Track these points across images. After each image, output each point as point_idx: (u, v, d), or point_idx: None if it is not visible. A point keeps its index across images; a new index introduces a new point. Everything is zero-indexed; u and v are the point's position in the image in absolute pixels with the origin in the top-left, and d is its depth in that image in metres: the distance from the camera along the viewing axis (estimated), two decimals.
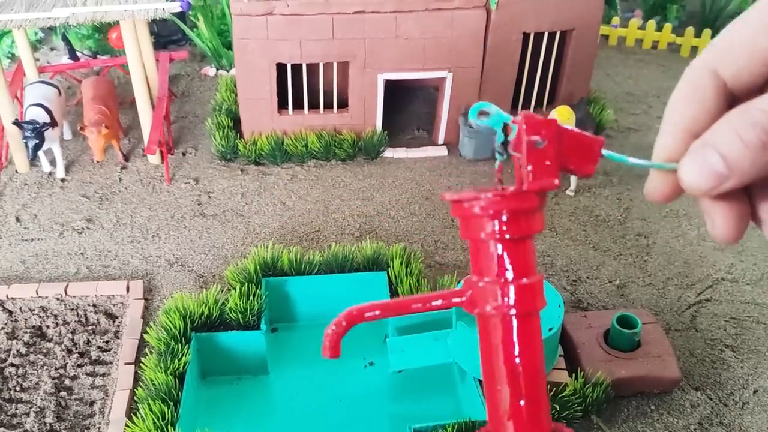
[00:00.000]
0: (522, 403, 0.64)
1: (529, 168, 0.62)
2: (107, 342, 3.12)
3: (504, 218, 0.63)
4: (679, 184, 0.60)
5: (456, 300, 0.67)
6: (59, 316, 3.24)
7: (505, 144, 0.65)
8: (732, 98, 0.59)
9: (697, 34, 5.75)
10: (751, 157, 0.54)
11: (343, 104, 4.38)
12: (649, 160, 0.63)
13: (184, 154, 4.41)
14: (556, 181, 0.63)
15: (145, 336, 3.01)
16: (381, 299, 3.40)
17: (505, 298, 0.64)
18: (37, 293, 3.31)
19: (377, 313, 0.68)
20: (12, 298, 3.30)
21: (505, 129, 0.66)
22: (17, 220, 3.85)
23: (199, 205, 3.97)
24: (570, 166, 0.64)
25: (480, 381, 2.77)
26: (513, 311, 0.64)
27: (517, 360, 0.65)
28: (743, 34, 0.58)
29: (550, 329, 2.75)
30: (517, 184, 0.64)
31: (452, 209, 0.67)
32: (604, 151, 0.65)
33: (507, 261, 0.65)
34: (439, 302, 0.68)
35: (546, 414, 0.66)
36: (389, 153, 4.41)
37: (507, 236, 0.64)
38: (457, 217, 0.67)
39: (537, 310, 0.66)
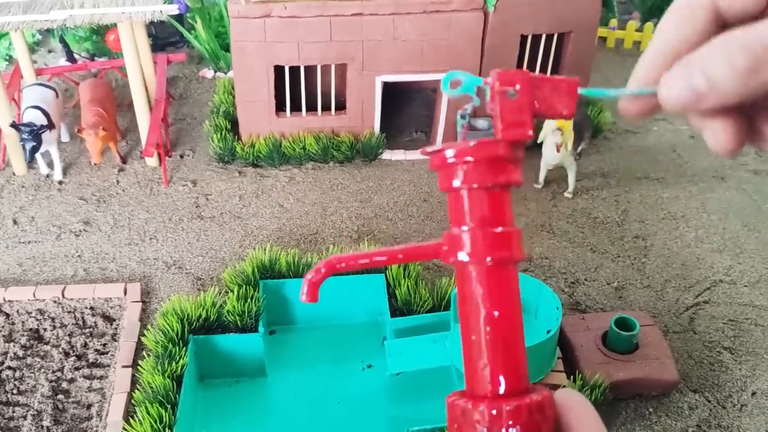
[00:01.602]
0: (498, 351, 0.63)
1: (502, 118, 0.63)
2: (104, 345, 3.12)
3: (476, 166, 0.64)
4: (654, 102, 0.61)
5: (435, 250, 0.67)
6: (56, 318, 3.23)
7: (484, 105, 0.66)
8: (724, 25, 0.60)
9: None
10: (736, 80, 0.54)
11: (341, 106, 4.38)
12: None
13: (181, 157, 4.41)
14: (530, 132, 0.64)
15: (142, 339, 3.01)
16: (379, 302, 3.38)
17: (479, 246, 0.63)
18: (34, 296, 3.30)
19: (361, 261, 0.69)
20: (9, 301, 3.29)
21: (480, 94, 0.66)
22: (14, 222, 3.84)
23: (196, 207, 3.96)
24: (551, 112, 0.65)
25: None
26: (488, 259, 0.63)
27: (493, 309, 0.63)
28: None
29: (548, 331, 2.75)
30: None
31: (430, 162, 0.67)
32: (582, 90, 0.65)
33: (481, 209, 0.64)
34: (419, 252, 0.68)
35: (523, 368, 0.64)
36: (387, 155, 4.41)
37: (476, 185, 0.64)
38: (434, 170, 0.67)
39: (513, 260, 0.64)
